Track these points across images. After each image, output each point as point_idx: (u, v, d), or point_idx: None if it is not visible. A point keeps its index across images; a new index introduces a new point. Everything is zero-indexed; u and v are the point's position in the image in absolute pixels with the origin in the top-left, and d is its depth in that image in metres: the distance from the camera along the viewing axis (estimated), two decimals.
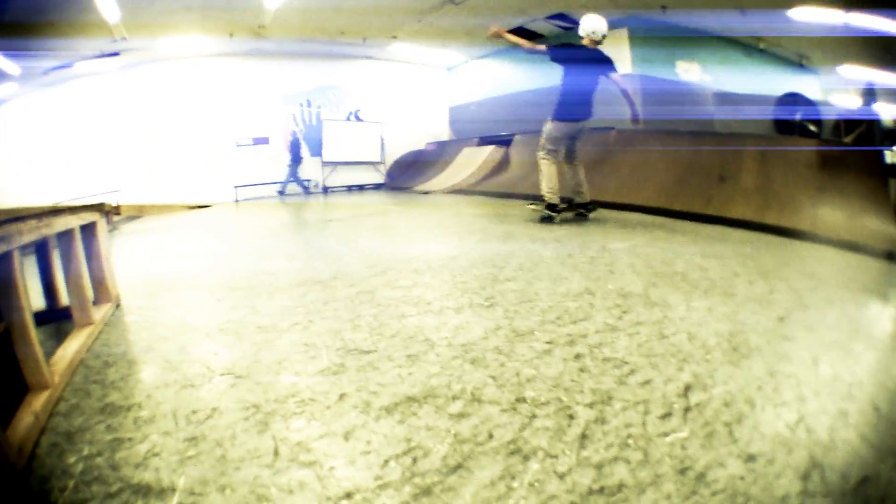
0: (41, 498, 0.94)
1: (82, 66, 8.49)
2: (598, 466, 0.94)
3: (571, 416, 1.11)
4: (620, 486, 0.89)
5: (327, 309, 1.99)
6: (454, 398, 1.21)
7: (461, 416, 1.13)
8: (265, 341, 1.67)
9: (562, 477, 0.92)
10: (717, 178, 4.50)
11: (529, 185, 6.97)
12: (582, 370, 1.34)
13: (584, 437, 1.04)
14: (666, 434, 1.04)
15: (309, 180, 10.57)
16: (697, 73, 8.32)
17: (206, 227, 5.99)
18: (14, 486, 0.93)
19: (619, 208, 4.94)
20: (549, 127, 4.04)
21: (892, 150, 6.91)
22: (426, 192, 8.72)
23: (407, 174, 10.75)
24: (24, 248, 1.32)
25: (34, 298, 1.59)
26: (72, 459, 1.04)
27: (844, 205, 3.57)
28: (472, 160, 8.98)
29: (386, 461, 0.98)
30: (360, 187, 11.12)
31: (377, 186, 11.23)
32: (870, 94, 9.36)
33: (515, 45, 3.99)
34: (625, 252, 2.87)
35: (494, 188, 7.54)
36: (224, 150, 9.97)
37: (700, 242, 3.20)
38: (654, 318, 1.74)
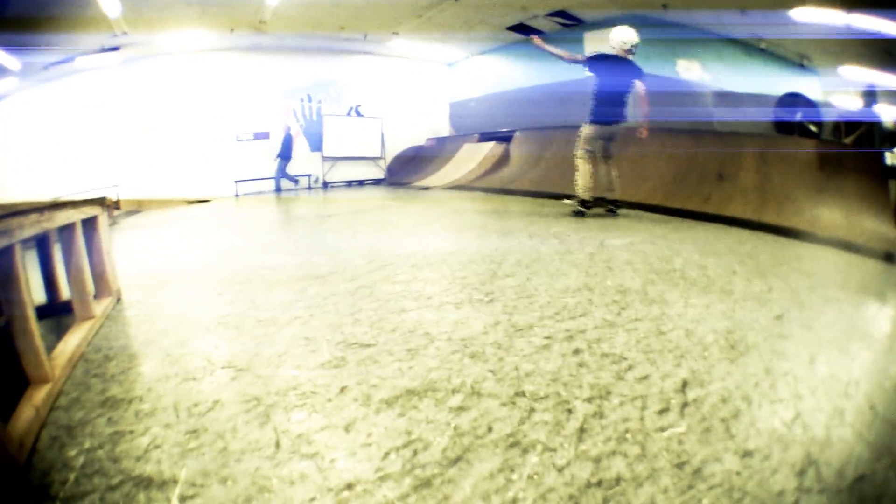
0: (42, 491, 0.94)
1: (83, 61, 8.46)
2: (596, 460, 0.95)
3: (570, 411, 1.12)
4: (618, 480, 0.90)
5: (327, 303, 2.00)
6: (454, 392, 1.22)
7: (461, 409, 1.14)
8: (265, 335, 1.68)
9: (560, 470, 0.93)
10: (716, 176, 4.52)
11: (529, 181, 6.99)
12: (580, 365, 1.35)
13: (582, 430, 1.05)
14: (663, 429, 1.05)
15: (308, 175, 10.52)
16: (698, 72, 8.30)
17: (206, 222, 5.98)
18: (15, 479, 0.93)
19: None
20: (585, 129, 4.32)
21: (892, 152, 6.92)
22: (426, 188, 8.70)
23: (407, 170, 10.73)
24: (25, 242, 1.32)
25: (35, 292, 1.60)
26: (73, 452, 1.05)
27: (844, 205, 3.57)
28: (473, 156, 8.97)
29: (386, 453, 0.99)
30: (360, 183, 11.11)
31: (377, 182, 11.21)
32: (870, 95, 9.34)
33: (556, 56, 4.25)
34: (623, 249, 2.87)
35: (495, 184, 7.53)
36: (224, 145, 9.93)
37: (698, 240, 3.20)
38: (653, 314, 1.75)
